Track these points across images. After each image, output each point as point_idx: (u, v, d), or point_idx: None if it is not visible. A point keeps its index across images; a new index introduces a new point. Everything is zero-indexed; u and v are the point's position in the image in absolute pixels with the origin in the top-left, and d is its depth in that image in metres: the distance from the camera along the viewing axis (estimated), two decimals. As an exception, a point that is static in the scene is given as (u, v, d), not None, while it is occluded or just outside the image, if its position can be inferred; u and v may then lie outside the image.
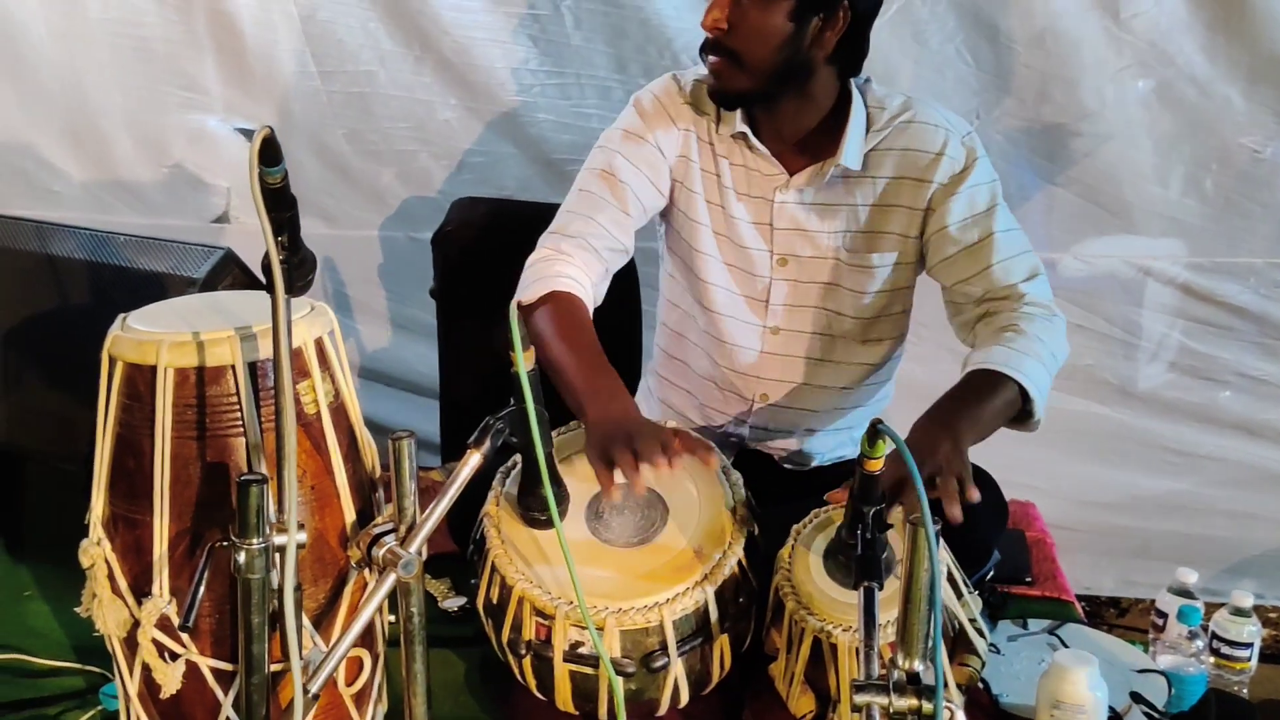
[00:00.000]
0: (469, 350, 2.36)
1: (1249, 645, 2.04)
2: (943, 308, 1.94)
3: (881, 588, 1.34)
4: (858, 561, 1.34)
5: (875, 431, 1.24)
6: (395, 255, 2.77)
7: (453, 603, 1.98)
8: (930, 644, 1.18)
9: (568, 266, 1.82)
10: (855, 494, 1.38)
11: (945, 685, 1.22)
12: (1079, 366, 2.64)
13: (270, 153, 1.23)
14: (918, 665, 1.19)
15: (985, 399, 1.67)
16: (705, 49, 1.78)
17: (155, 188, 2.75)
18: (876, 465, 1.31)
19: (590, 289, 1.84)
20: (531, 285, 1.80)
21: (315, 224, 2.67)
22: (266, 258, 1.30)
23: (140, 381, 1.41)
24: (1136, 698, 1.63)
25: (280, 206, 1.27)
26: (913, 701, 1.16)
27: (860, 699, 1.17)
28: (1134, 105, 2.47)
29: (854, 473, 1.38)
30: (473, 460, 1.42)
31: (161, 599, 1.41)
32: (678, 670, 1.53)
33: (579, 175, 1.91)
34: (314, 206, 2.68)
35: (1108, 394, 2.67)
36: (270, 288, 1.29)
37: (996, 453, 1.89)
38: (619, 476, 1.50)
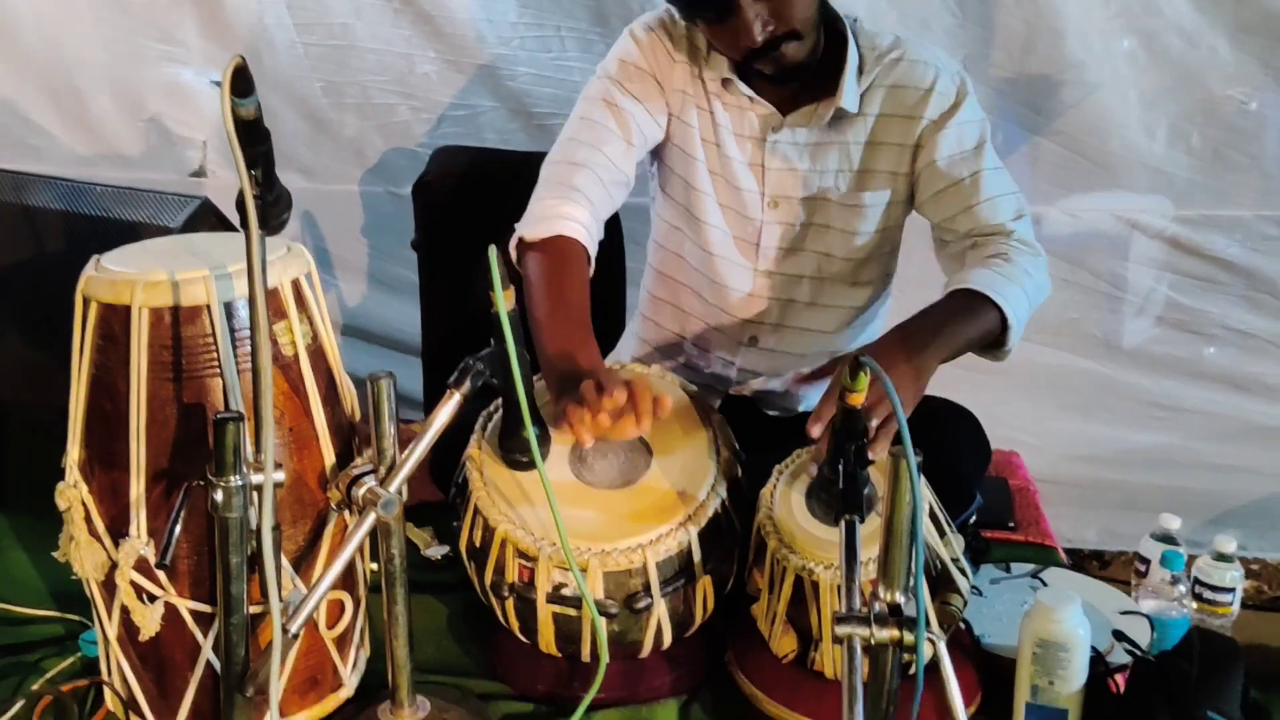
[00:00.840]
0: (451, 302, 2.34)
1: (1231, 590, 2.04)
2: (923, 265, 1.93)
3: (863, 521, 1.33)
4: (839, 495, 1.33)
5: (857, 364, 1.23)
6: (375, 210, 2.74)
7: (436, 550, 1.97)
8: (912, 577, 1.18)
9: (576, 209, 1.79)
10: (836, 428, 1.37)
11: (927, 618, 1.22)
12: (1065, 320, 2.64)
13: (242, 83, 1.21)
14: (899, 597, 1.19)
15: (962, 321, 1.67)
16: (755, 56, 1.72)
17: (132, 142, 2.72)
18: (858, 399, 1.30)
19: (596, 231, 1.82)
20: (538, 222, 1.78)
21: (294, 178, 2.64)
22: (241, 194, 1.28)
23: (115, 322, 1.39)
24: (1119, 636, 1.63)
25: (253, 140, 1.25)
26: (894, 633, 1.16)
27: (841, 630, 1.16)
28: (1120, 57, 2.45)
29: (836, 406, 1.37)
30: (453, 400, 1.41)
31: (139, 540, 1.41)
32: (661, 611, 1.53)
33: (578, 103, 1.88)
34: (292, 160, 2.65)
35: (1093, 348, 2.67)
36: (244, 224, 1.27)
37: (981, 406, 1.90)
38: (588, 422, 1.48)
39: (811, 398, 2.03)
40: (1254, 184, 2.52)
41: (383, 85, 2.62)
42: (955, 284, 1.73)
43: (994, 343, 1.74)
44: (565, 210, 1.78)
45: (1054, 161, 2.55)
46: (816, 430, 1.48)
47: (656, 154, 1.97)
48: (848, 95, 1.78)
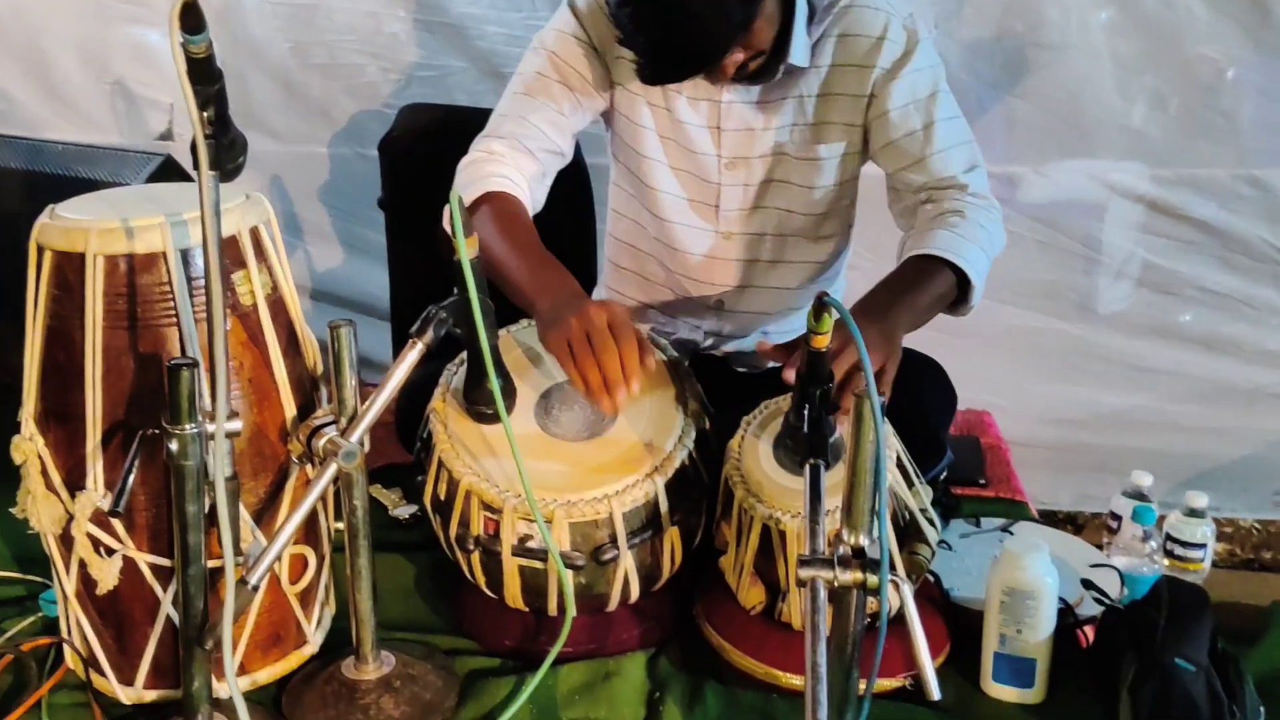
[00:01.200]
0: (418, 261, 2.31)
1: (1203, 546, 2.05)
2: (881, 222, 1.91)
3: (829, 467, 1.32)
4: (804, 440, 1.32)
5: (821, 305, 1.21)
6: (344, 172, 2.72)
7: (403, 510, 1.96)
8: (876, 519, 1.17)
9: (500, 166, 1.78)
10: (801, 373, 1.36)
11: (893, 563, 1.21)
12: (1039, 282, 2.63)
13: (192, 20, 1.18)
14: (863, 540, 1.18)
15: (923, 285, 1.66)
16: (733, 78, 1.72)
17: (97, 105, 2.68)
18: (823, 341, 1.28)
19: (527, 189, 1.79)
20: (466, 188, 1.76)
21: (262, 140, 2.61)
22: (194, 139, 1.26)
23: (69, 270, 1.37)
24: (1088, 584, 1.62)
25: (204, 79, 1.22)
26: (857, 575, 1.15)
27: (805, 573, 1.15)
28: (1096, 17, 2.44)
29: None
30: (415, 350, 1.39)
31: (95, 493, 1.39)
32: (628, 563, 1.52)
33: (513, 78, 1.87)
34: (260, 122, 2.63)
35: (1068, 310, 2.67)
36: (196, 166, 1.24)
37: (955, 368, 1.88)
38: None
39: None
40: (1229, 143, 2.52)
41: (351, 45, 2.60)
42: (914, 249, 1.71)
43: (956, 301, 1.73)
44: (489, 170, 1.77)
45: (1029, 123, 2.54)
46: (792, 375, 1.46)
47: (607, 122, 1.95)
48: (797, 50, 1.75)
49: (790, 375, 1.46)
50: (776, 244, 1.92)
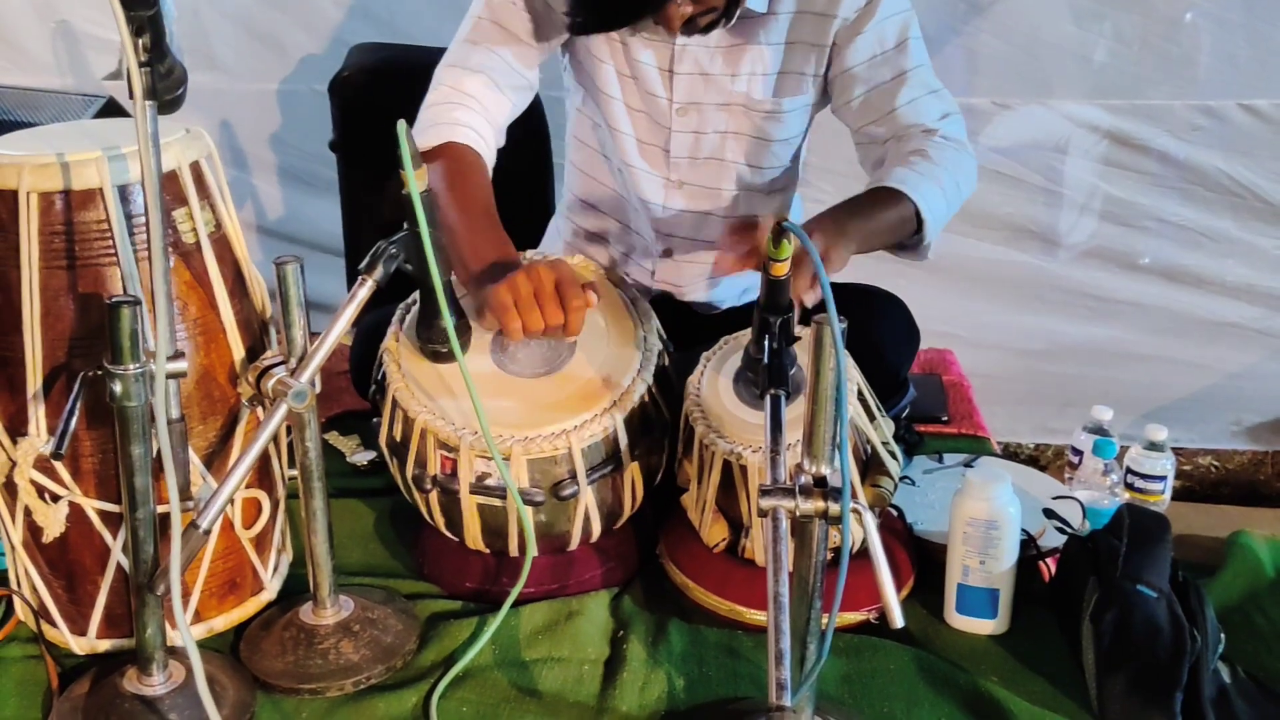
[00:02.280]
0: (372, 204, 2.27)
1: (1162, 478, 2.06)
2: (843, 151, 1.87)
3: (790, 399, 1.30)
4: (764, 371, 1.29)
5: (780, 230, 1.19)
6: (296, 109, 2.67)
7: (361, 456, 1.93)
8: (837, 449, 1.15)
9: (469, 114, 1.72)
10: (761, 303, 1.33)
11: (854, 491, 1.19)
12: (999, 214, 2.63)
13: (122, -60, 1.13)
14: (824, 470, 1.16)
15: (877, 211, 1.61)
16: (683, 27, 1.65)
17: (43, 45, 2.60)
18: (782, 269, 1.26)
19: (492, 137, 1.74)
20: (428, 129, 1.70)
21: (215, 78, 2.56)
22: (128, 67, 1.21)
23: (2, 209, 1.33)
24: (1050, 514, 1.62)
25: (138, 4, 1.17)
26: (819, 504, 1.13)
27: (766, 503, 1.13)
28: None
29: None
30: (365, 287, 1.36)
31: (38, 438, 1.35)
32: (588, 499, 1.50)
33: (474, 2, 1.81)
34: (211, 59, 2.57)
35: (1028, 241, 2.67)
36: (131, 95, 1.20)
37: (917, 300, 1.87)
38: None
39: (732, 298, 1.99)
40: (1185, 74, 2.52)
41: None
42: (872, 182, 1.67)
43: (912, 243, 1.69)
44: (456, 115, 1.71)
45: (987, 54, 2.52)
46: (722, 266, 1.45)
47: (567, 49, 1.89)
48: None
49: (725, 263, 1.44)
50: (729, 196, 1.86)
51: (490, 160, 1.74)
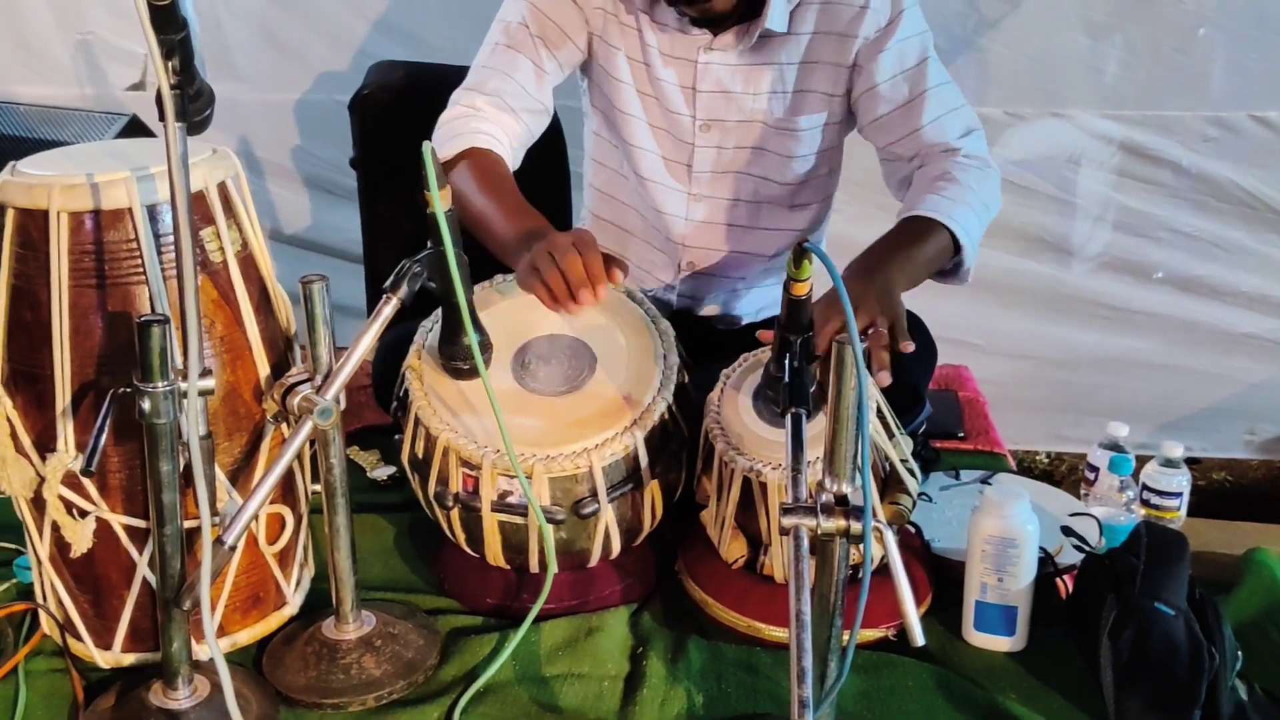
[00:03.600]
0: (393, 220, 2.29)
1: (1178, 495, 2.06)
2: (874, 164, 1.89)
3: (810, 417, 1.31)
4: (784, 389, 1.31)
5: (801, 251, 1.20)
6: (318, 119, 2.69)
7: (382, 471, 1.94)
8: (858, 466, 1.16)
9: (484, 123, 1.76)
10: (782, 321, 1.34)
11: (874, 509, 1.20)
12: (1013, 225, 2.65)
13: (154, -34, 1.15)
14: (845, 488, 1.17)
15: (917, 244, 1.64)
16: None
17: (70, 56, 2.64)
18: (803, 289, 1.27)
19: (509, 148, 1.77)
20: (448, 141, 1.74)
21: (237, 88, 2.59)
22: (159, 91, 1.23)
23: (33, 228, 1.34)
24: (1068, 532, 1.63)
25: (168, 27, 1.19)
26: (840, 523, 1.14)
27: (788, 521, 1.14)
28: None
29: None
30: (390, 305, 1.37)
31: (67, 454, 1.36)
32: (608, 517, 1.51)
33: (493, 27, 1.83)
34: (233, 69, 2.60)
35: (1042, 252, 2.68)
36: (162, 117, 1.21)
37: (932, 309, 1.88)
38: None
39: (754, 312, 2.01)
40: (1197, 85, 2.53)
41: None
42: (904, 212, 1.70)
43: (950, 266, 1.72)
44: (474, 125, 1.75)
45: (999, 65, 2.54)
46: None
47: (584, 72, 1.92)
48: (774, 15, 1.72)
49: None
50: (751, 210, 1.89)
51: (512, 165, 1.76)
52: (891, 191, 1.87)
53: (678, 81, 1.82)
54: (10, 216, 1.35)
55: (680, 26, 1.78)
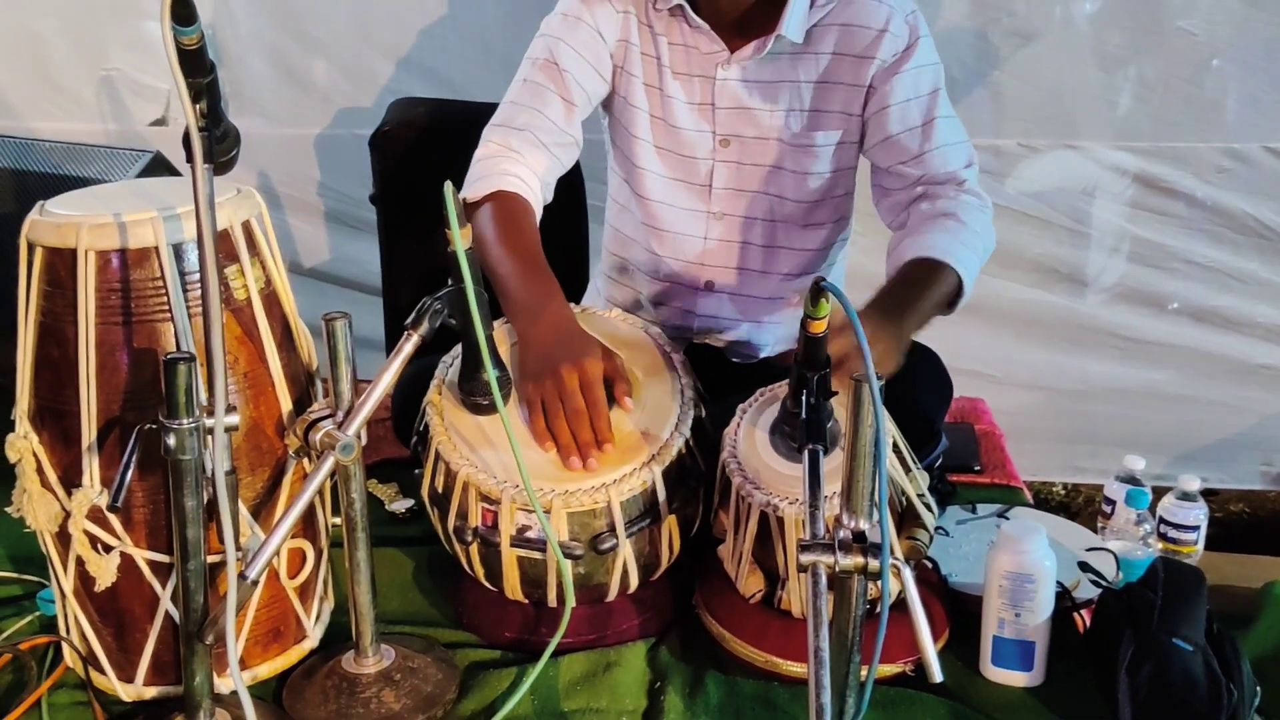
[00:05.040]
0: (412, 256, 2.31)
1: (1196, 528, 2.06)
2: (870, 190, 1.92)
3: (827, 452, 1.32)
4: (802, 425, 1.32)
5: (818, 289, 1.21)
6: (338, 154, 2.73)
7: (400, 505, 1.96)
8: (875, 503, 1.17)
9: (516, 165, 1.78)
10: (799, 358, 1.36)
11: (891, 545, 1.21)
12: (1027, 256, 2.66)
13: (183, 11, 1.17)
14: (863, 525, 1.18)
15: (930, 288, 1.68)
16: None
17: (93, 92, 2.68)
18: (820, 326, 1.28)
19: (539, 189, 1.80)
20: (477, 182, 1.77)
21: (257, 123, 2.63)
22: (187, 131, 1.25)
23: (61, 266, 1.36)
24: (1085, 567, 1.63)
25: (197, 71, 1.22)
26: (858, 559, 1.15)
27: (806, 558, 1.15)
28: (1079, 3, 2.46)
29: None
30: (411, 342, 1.39)
31: (92, 489, 1.38)
32: (626, 552, 1.52)
33: (522, 64, 1.87)
34: (256, 105, 2.63)
35: (1057, 283, 2.69)
36: (189, 158, 1.24)
37: (946, 341, 1.89)
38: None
39: (772, 343, 2.02)
40: (1210, 116, 2.54)
41: (346, 26, 2.60)
42: (916, 252, 1.72)
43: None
44: (504, 167, 1.77)
45: (1013, 98, 2.55)
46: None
47: (606, 108, 1.95)
48: (791, 23, 1.75)
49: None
50: (768, 229, 1.92)
51: (538, 209, 1.80)
52: (881, 214, 1.90)
53: (695, 99, 1.85)
54: (39, 255, 1.37)
55: (697, 42, 1.81)
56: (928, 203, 1.79)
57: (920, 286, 1.68)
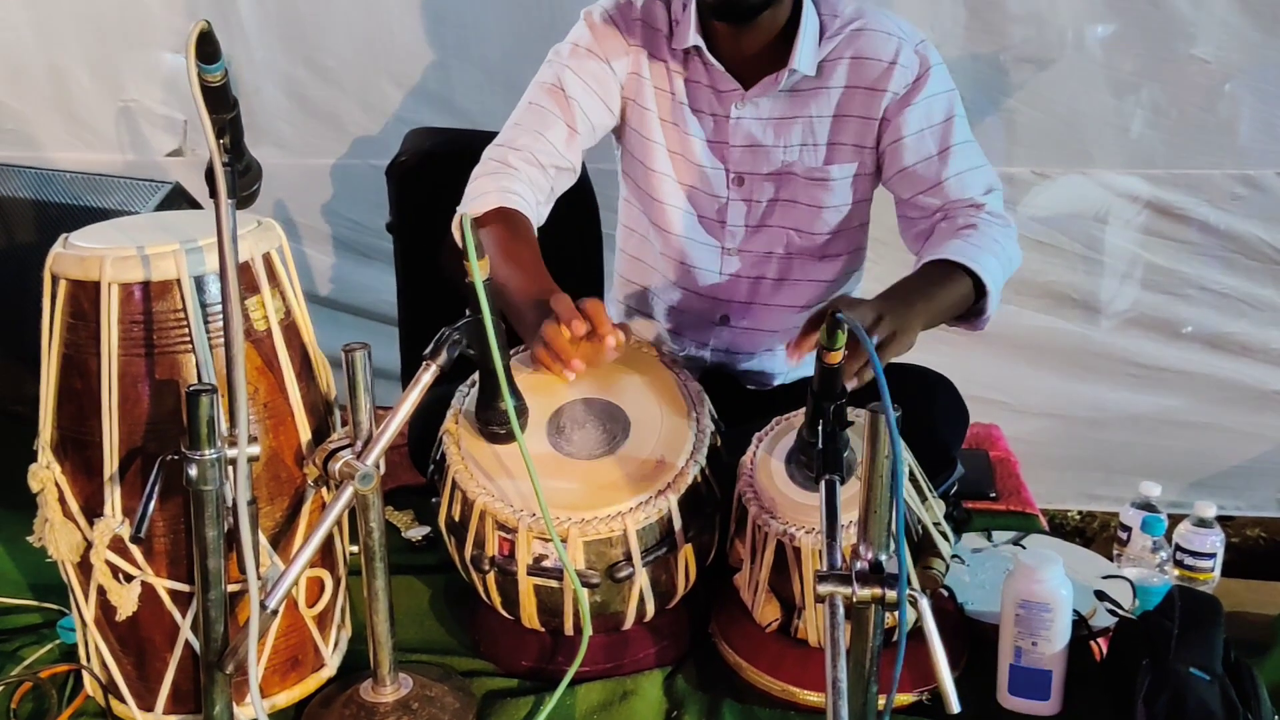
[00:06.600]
0: (428, 285, 2.32)
1: (1212, 555, 2.06)
2: (888, 220, 1.92)
3: (844, 482, 1.33)
4: (819, 455, 1.32)
5: (835, 322, 1.22)
6: (355, 183, 2.75)
7: (416, 532, 1.96)
8: (893, 535, 1.17)
9: (514, 182, 1.80)
10: (815, 390, 1.36)
11: (908, 576, 1.21)
12: (1040, 282, 2.66)
13: (208, 49, 1.19)
14: (880, 556, 1.18)
15: (939, 286, 1.68)
16: None
17: (110, 123, 2.72)
18: (836, 358, 1.29)
19: (535, 206, 1.82)
20: (477, 199, 1.78)
21: (272, 153, 2.65)
22: (210, 165, 1.27)
23: (84, 299, 1.38)
24: (1101, 596, 1.63)
25: (220, 107, 1.24)
26: (875, 590, 1.15)
27: (824, 589, 1.15)
28: (1086, 19, 2.47)
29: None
30: (429, 372, 1.40)
31: (114, 519, 1.39)
32: (642, 581, 1.52)
33: (529, 88, 1.88)
34: (271, 135, 2.66)
35: (1070, 310, 2.69)
36: (213, 193, 1.25)
37: (961, 368, 1.90)
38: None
39: (787, 371, 2.02)
40: (1223, 143, 2.54)
41: (363, 56, 2.63)
42: (929, 255, 1.72)
43: (972, 311, 1.74)
44: (502, 184, 1.79)
45: (1026, 125, 2.56)
46: (795, 358, 1.49)
47: (617, 137, 1.97)
48: (802, 57, 1.77)
49: (794, 355, 1.48)
50: (783, 263, 1.93)
51: (536, 223, 1.81)
52: (907, 244, 1.90)
53: (710, 137, 1.86)
54: (63, 288, 1.39)
55: (713, 80, 1.83)
56: (948, 222, 1.80)
57: (931, 281, 1.69)
